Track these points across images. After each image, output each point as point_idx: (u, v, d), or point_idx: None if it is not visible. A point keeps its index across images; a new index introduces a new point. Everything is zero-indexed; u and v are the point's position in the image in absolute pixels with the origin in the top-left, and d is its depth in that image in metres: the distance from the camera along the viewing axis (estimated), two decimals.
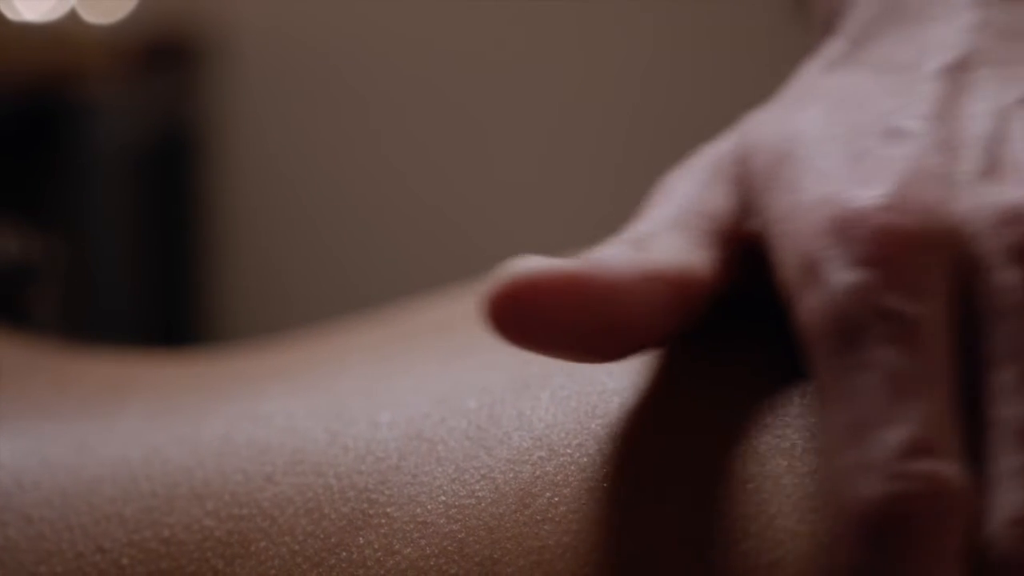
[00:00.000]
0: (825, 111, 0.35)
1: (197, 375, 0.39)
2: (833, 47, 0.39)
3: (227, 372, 0.38)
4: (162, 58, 1.62)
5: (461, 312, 0.39)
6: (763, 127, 0.36)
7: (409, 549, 0.33)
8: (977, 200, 0.32)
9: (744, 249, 0.34)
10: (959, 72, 0.36)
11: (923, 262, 0.31)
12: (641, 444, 0.33)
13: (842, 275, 0.31)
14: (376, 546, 0.33)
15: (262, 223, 1.73)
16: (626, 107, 1.65)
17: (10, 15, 1.52)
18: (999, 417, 0.29)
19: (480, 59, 1.68)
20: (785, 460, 0.32)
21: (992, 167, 0.33)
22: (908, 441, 0.29)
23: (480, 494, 0.33)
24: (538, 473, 0.33)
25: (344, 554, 0.33)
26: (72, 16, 1.52)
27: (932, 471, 0.29)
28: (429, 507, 0.33)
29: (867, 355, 0.30)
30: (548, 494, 0.33)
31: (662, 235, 0.34)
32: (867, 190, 0.32)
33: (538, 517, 0.33)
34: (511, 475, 0.33)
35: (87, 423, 0.37)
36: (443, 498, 0.33)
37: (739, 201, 0.35)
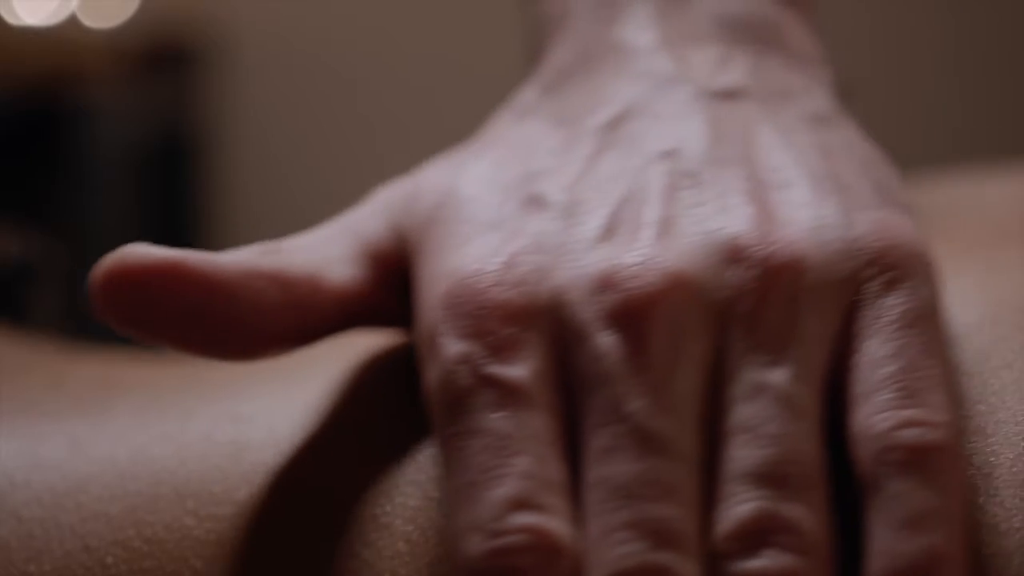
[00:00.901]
0: (493, 166, 0.36)
1: (186, 375, 0.40)
2: (526, 93, 0.40)
3: (215, 373, 0.39)
4: (162, 62, 1.62)
5: None
6: (437, 172, 0.37)
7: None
8: (579, 269, 0.33)
9: (403, 276, 0.36)
10: (615, 127, 0.37)
11: (525, 333, 0.32)
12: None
13: (451, 347, 0.32)
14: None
15: (262, 225, 1.74)
16: None
17: (11, 20, 1.52)
18: (595, 479, 0.31)
19: (480, 62, 1.68)
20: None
21: (610, 229, 0.34)
22: (509, 498, 0.30)
23: None
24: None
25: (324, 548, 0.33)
26: (72, 20, 1.53)
27: (532, 525, 0.30)
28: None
29: (474, 422, 0.31)
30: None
31: (308, 246, 0.36)
32: (488, 262, 0.33)
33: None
34: None
35: (79, 421, 0.38)
36: None
37: (398, 237, 0.36)
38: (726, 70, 0.39)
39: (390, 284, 0.36)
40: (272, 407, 0.37)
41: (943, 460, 0.30)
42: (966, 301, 0.36)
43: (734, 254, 0.33)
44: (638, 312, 0.32)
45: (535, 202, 0.35)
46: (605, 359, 0.32)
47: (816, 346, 0.32)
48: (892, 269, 0.33)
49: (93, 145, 1.52)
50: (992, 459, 0.32)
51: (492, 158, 0.37)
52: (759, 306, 0.32)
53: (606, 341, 0.32)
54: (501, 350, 0.32)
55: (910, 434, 0.30)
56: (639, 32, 0.40)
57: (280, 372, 0.38)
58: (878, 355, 0.32)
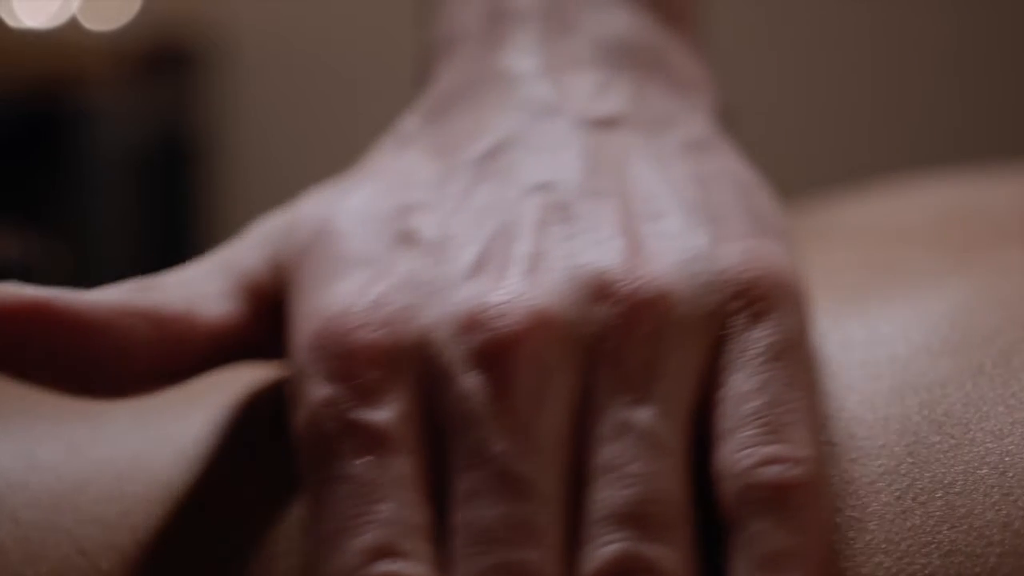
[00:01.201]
0: (369, 198, 0.36)
1: None
2: (409, 121, 0.40)
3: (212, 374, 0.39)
4: (162, 64, 1.62)
5: None
6: (313, 204, 0.37)
7: None
8: (447, 308, 0.33)
9: (280, 310, 0.35)
10: (491, 158, 0.37)
11: (391, 375, 0.32)
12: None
13: (317, 391, 0.32)
14: None
15: None
16: None
17: (11, 23, 1.52)
18: (460, 523, 0.31)
19: None
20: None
21: (480, 265, 0.34)
22: (373, 546, 0.30)
23: None
24: None
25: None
26: (73, 23, 1.53)
27: (395, 572, 0.30)
28: None
29: (339, 468, 0.31)
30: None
31: (182, 282, 0.35)
32: (356, 302, 0.33)
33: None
34: None
35: (78, 423, 0.37)
36: None
37: (275, 271, 0.36)
38: (606, 96, 0.39)
39: (268, 318, 0.35)
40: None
41: (803, 497, 0.30)
42: (981, 305, 0.36)
43: (600, 290, 0.32)
44: (502, 352, 0.31)
45: (407, 238, 0.35)
46: (469, 401, 0.31)
47: (681, 382, 0.32)
48: (759, 301, 0.32)
49: (94, 147, 1.52)
50: (1007, 459, 0.32)
51: (369, 190, 0.37)
52: (624, 343, 0.32)
53: (471, 382, 0.31)
54: (366, 394, 0.32)
55: (771, 472, 0.30)
56: (522, 58, 0.40)
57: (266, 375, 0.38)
58: (742, 390, 0.31)
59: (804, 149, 1.62)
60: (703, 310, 0.32)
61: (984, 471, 0.31)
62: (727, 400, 0.32)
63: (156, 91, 1.61)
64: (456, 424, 0.31)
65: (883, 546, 0.30)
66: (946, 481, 0.31)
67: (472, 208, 0.35)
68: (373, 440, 0.31)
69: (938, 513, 0.31)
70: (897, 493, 0.31)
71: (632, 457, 0.31)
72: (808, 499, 0.30)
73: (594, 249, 0.33)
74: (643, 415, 0.31)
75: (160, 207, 1.64)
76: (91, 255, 1.49)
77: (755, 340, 0.32)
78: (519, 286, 0.32)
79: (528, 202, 0.35)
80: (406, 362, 0.32)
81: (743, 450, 0.31)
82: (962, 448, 0.31)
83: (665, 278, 0.33)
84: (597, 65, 0.40)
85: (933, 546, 0.30)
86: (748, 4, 1.62)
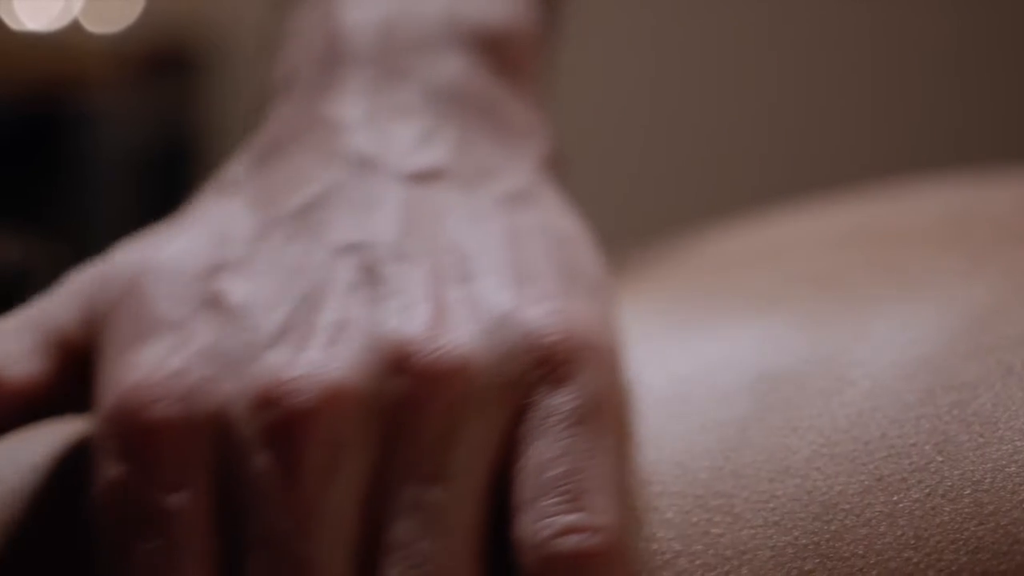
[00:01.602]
0: (183, 253, 0.36)
1: None
2: (236, 166, 0.40)
3: None
4: (164, 67, 1.62)
5: None
6: (128, 256, 0.37)
7: None
8: (244, 381, 0.32)
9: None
10: (307, 214, 0.36)
11: (186, 454, 0.32)
12: None
13: (110, 468, 0.32)
14: None
15: None
16: (613, 113, 1.66)
17: (13, 25, 1.52)
18: None
19: None
20: None
21: (283, 334, 0.33)
22: None
23: None
24: None
25: None
26: (75, 25, 1.53)
27: None
28: None
29: (128, 549, 0.31)
30: None
31: None
32: (155, 373, 0.33)
33: None
34: None
35: (78, 425, 0.37)
36: None
37: (88, 325, 0.35)
38: (428, 147, 0.39)
39: (81, 373, 0.35)
40: None
41: (604, 566, 0.30)
42: (1009, 306, 0.36)
43: (399, 363, 0.32)
44: (293, 430, 0.31)
45: (214, 302, 0.34)
46: (260, 480, 0.31)
47: (476, 457, 0.32)
48: (561, 366, 0.32)
49: (95, 149, 1.52)
50: None
51: (184, 243, 0.36)
52: (419, 417, 0.32)
53: (261, 461, 0.31)
54: (159, 475, 0.32)
55: (570, 542, 0.30)
56: (349, 106, 0.40)
57: None
58: (543, 458, 0.31)
59: (804, 149, 1.62)
60: (503, 379, 0.32)
61: (1012, 468, 0.32)
62: (527, 469, 0.31)
63: (158, 94, 1.61)
64: (247, 503, 0.31)
65: (912, 542, 0.30)
66: (975, 478, 0.31)
67: (282, 269, 0.35)
68: (163, 523, 0.31)
69: (967, 510, 0.31)
70: (927, 490, 0.31)
71: (420, 535, 0.31)
72: (608, 567, 0.30)
73: (398, 316, 0.33)
74: (434, 493, 0.31)
75: (161, 208, 1.63)
76: (92, 256, 1.49)
77: (556, 406, 0.32)
78: (317, 359, 0.32)
79: (337, 264, 0.35)
80: (203, 439, 0.32)
81: (543, 520, 0.31)
82: (991, 446, 0.32)
83: (466, 348, 0.32)
84: (424, 113, 0.39)
85: (961, 543, 0.30)
86: (748, 4, 1.62)
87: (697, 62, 1.64)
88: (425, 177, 0.38)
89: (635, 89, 1.65)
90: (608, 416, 0.32)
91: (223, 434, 0.32)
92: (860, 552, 0.30)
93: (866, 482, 0.31)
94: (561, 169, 0.41)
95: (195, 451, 0.32)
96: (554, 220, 0.37)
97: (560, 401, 0.32)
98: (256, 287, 0.35)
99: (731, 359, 0.35)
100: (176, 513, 0.31)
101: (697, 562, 0.30)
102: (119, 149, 1.54)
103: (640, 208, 1.46)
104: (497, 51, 0.42)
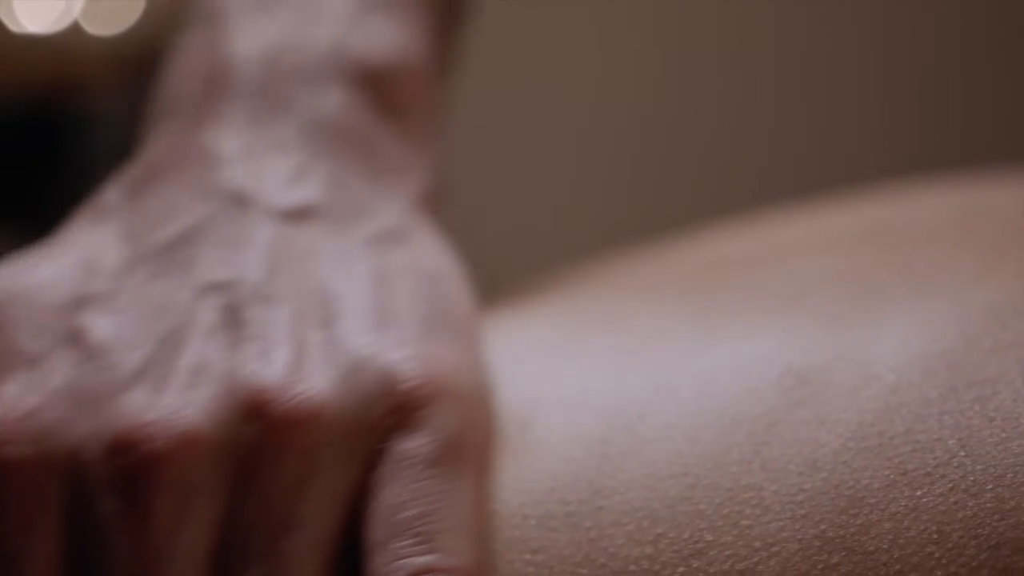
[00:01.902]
0: (49, 281, 0.36)
1: None
2: (111, 192, 0.40)
3: None
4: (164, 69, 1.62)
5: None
6: (3, 274, 0.37)
7: None
8: (99, 423, 0.32)
9: None
10: (175, 249, 0.37)
11: (36, 494, 0.32)
12: None
13: None
14: None
15: None
16: (612, 114, 1.66)
17: (13, 27, 1.52)
18: None
19: (479, 69, 1.68)
20: None
21: (142, 375, 0.33)
22: None
23: None
24: None
25: None
26: (75, 28, 1.53)
27: None
28: None
29: None
30: None
31: None
32: (10, 412, 0.33)
33: None
34: None
35: None
36: None
37: None
38: (302, 183, 0.39)
39: None
40: None
41: None
42: None
43: (254, 409, 0.32)
44: (142, 476, 0.31)
45: (75, 337, 0.34)
46: (111, 523, 0.31)
47: (328, 506, 0.32)
48: (417, 410, 0.33)
49: (95, 151, 1.52)
50: None
51: (51, 271, 0.36)
52: (272, 466, 0.32)
53: (113, 504, 0.31)
54: (9, 514, 0.32)
55: None
56: (226, 138, 0.40)
57: None
58: (396, 500, 0.32)
59: (804, 149, 1.62)
60: (358, 425, 0.33)
61: None
62: (379, 511, 0.32)
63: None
64: (99, 546, 0.31)
65: (935, 537, 0.31)
66: (997, 473, 0.32)
67: (146, 306, 0.35)
68: (13, 564, 0.31)
69: (989, 505, 0.31)
70: (950, 484, 0.32)
71: None
72: None
73: (256, 361, 0.33)
74: (285, 542, 0.31)
75: None
76: None
77: (410, 451, 0.32)
78: (173, 403, 0.32)
79: (201, 304, 0.35)
80: (55, 480, 0.32)
81: (395, 561, 0.31)
82: (1012, 441, 0.32)
83: (321, 395, 0.33)
84: (300, 148, 0.40)
85: (983, 538, 0.31)
86: (749, 4, 1.62)
87: (697, 62, 1.64)
88: (297, 215, 0.38)
89: (635, 89, 1.65)
90: (464, 459, 0.32)
91: (76, 476, 0.32)
92: (885, 547, 0.31)
93: (891, 476, 0.32)
94: (439, 206, 0.41)
95: (47, 492, 0.32)
96: (424, 259, 0.37)
97: (414, 445, 0.32)
98: (118, 324, 0.35)
99: (756, 356, 0.35)
100: (27, 554, 0.31)
101: (727, 552, 0.31)
102: (119, 150, 1.54)
103: (640, 208, 1.46)
104: (380, 86, 0.42)
